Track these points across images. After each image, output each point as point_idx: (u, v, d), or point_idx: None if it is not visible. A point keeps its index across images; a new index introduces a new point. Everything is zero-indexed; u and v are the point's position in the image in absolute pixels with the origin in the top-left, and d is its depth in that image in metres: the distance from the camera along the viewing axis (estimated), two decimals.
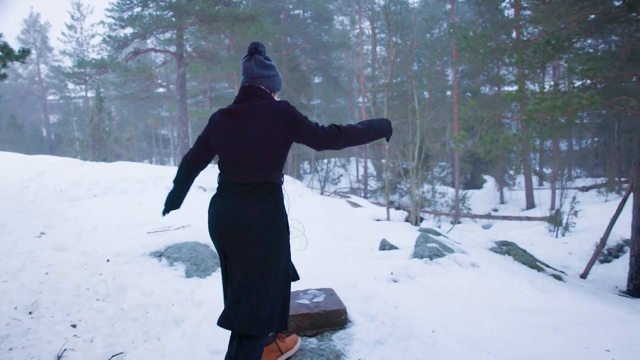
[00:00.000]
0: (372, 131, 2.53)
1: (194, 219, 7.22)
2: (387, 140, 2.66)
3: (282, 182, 2.56)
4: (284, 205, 2.54)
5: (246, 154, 2.46)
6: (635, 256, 10.42)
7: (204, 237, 5.95)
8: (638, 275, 10.35)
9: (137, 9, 18.01)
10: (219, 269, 5.17)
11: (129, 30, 18.37)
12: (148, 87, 20.74)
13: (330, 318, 3.17)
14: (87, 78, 19.64)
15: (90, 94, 35.17)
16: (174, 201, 2.91)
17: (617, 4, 10.30)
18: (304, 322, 3.11)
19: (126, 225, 6.73)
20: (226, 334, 3.45)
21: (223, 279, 2.60)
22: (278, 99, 2.62)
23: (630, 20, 10.79)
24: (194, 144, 2.79)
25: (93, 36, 40.42)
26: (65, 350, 3.34)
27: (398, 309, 3.62)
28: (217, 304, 3.97)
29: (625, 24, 11.53)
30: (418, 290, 4.62)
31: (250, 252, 2.38)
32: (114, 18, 18.30)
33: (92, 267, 5.03)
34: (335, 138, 2.44)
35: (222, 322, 2.37)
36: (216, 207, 2.54)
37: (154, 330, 3.81)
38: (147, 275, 4.80)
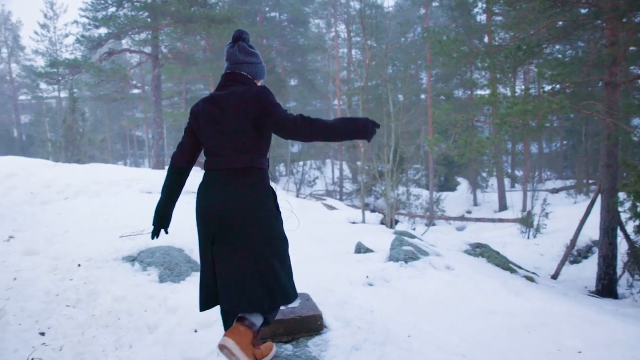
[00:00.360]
0: (344, 131, 2.44)
1: None
2: (369, 141, 2.53)
3: (267, 166, 2.59)
4: (271, 188, 2.58)
5: (226, 141, 2.49)
6: (603, 257, 10.66)
7: (178, 241, 5.86)
8: (606, 275, 10.59)
9: (112, 9, 17.71)
10: (194, 273, 5.11)
11: (103, 30, 18.05)
12: (122, 88, 20.42)
13: (306, 324, 3.15)
14: (60, 78, 19.23)
15: (63, 94, 34.44)
16: (163, 214, 2.80)
17: (583, 11, 10.56)
18: (279, 328, 3.09)
19: (98, 229, 6.60)
20: (200, 342, 3.41)
21: (207, 266, 2.59)
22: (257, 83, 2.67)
23: (595, 27, 11.07)
24: (182, 138, 2.77)
25: (66, 35, 39.58)
26: (32, 359, 3.25)
27: (374, 314, 3.63)
28: (191, 310, 3.92)
29: (591, 31, 11.83)
30: (393, 294, 4.64)
31: (245, 237, 2.42)
32: (88, 18, 17.97)
33: (63, 272, 4.91)
34: (304, 129, 2.41)
35: (230, 307, 2.48)
36: (204, 195, 2.56)
37: (125, 337, 3.73)
38: (119, 280, 4.71)
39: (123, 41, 21.69)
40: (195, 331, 3.61)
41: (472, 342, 3.58)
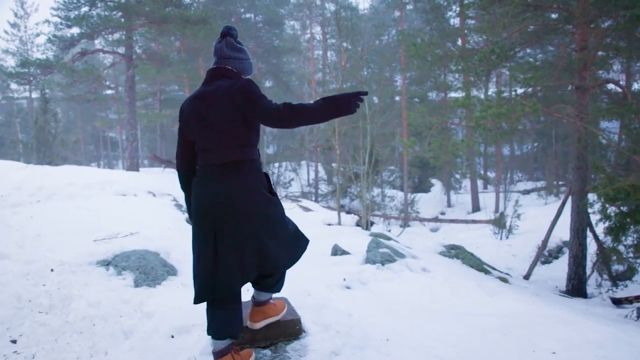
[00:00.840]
0: (327, 109, 2.44)
1: (142, 226, 7.03)
2: (353, 112, 2.50)
3: (258, 157, 2.68)
4: (263, 175, 2.68)
5: (215, 136, 2.55)
6: (573, 257, 10.90)
7: (153, 244, 5.79)
8: (576, 275, 10.83)
9: (85, 9, 17.39)
10: (170, 277, 5.05)
11: (75, 30, 17.72)
12: (96, 88, 20.06)
13: (285, 328, 3.12)
14: (32, 78, 18.85)
15: (34, 95, 33.71)
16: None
17: (554, 16, 10.78)
18: (257, 334, 3.04)
19: (72, 233, 6.45)
20: (178, 347, 3.36)
21: (206, 259, 2.65)
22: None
23: (566, 32, 11.32)
24: (178, 140, 2.83)
25: (38, 35, 38.66)
26: None
27: (352, 317, 3.63)
28: (168, 315, 3.86)
29: (562, 36, 12.09)
30: (371, 297, 4.65)
31: (242, 223, 2.56)
32: (60, 17, 17.61)
33: (35, 277, 4.79)
34: (288, 115, 2.44)
35: (228, 284, 2.65)
36: (201, 191, 2.63)
37: (100, 344, 3.66)
38: (93, 285, 4.62)
39: (96, 41, 21.37)
40: (172, 337, 3.55)
41: (450, 345, 3.61)
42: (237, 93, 2.53)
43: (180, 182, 2.88)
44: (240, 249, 2.60)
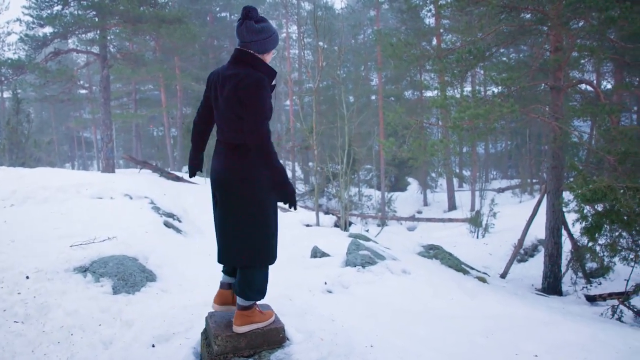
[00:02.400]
0: (276, 177, 2.69)
1: (120, 229, 6.90)
2: (285, 202, 2.77)
3: (271, 146, 2.76)
4: (262, 165, 2.72)
5: (221, 119, 2.82)
6: (548, 255, 11.08)
7: (132, 249, 5.69)
8: (551, 273, 11.02)
9: (57, 8, 16.99)
10: (149, 283, 4.98)
11: (48, 30, 17.31)
12: (69, 89, 19.65)
13: (268, 337, 3.06)
14: (3, 79, 18.37)
15: (6, 95, 32.86)
16: (195, 162, 3.17)
17: (527, 16, 10.94)
18: (240, 343, 2.99)
19: (47, 238, 6.27)
20: (158, 357, 3.31)
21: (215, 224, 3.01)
22: (272, 57, 2.90)
23: (541, 33, 11.50)
24: (201, 100, 3.07)
25: (9, 34, 37.59)
26: None
27: (335, 323, 3.59)
28: (148, 323, 3.79)
29: (536, 37, 12.28)
30: (353, 301, 4.64)
31: (229, 203, 2.83)
32: (31, 16, 17.17)
33: (10, 285, 4.64)
34: (264, 143, 2.66)
35: (219, 260, 3.02)
36: (212, 162, 2.95)
37: (79, 354, 3.57)
38: (71, 293, 4.49)
39: (70, 41, 20.92)
40: (153, 346, 3.49)
41: (435, 350, 3.61)
42: (242, 89, 2.67)
43: (192, 134, 3.15)
44: (219, 226, 2.93)
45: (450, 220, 21.73)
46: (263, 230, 2.88)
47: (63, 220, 7.37)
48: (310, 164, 27.35)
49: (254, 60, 2.79)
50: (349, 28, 28.44)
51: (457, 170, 31.70)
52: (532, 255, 14.13)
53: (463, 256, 11.76)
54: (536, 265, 12.53)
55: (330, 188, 21.78)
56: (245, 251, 2.87)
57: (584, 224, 7.11)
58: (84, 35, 18.99)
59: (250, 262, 2.91)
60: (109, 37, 18.36)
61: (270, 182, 2.73)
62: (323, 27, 16.39)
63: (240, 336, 3.01)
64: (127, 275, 4.97)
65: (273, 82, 2.87)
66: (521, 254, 13.84)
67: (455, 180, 29.43)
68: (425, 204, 28.79)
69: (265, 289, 3.08)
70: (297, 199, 2.92)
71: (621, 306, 7.56)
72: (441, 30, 21.30)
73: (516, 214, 16.97)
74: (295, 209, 2.85)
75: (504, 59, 18.68)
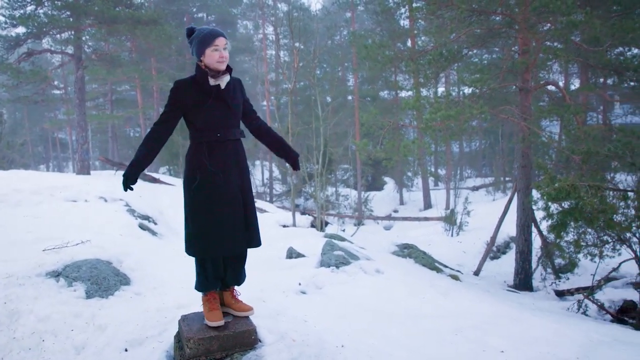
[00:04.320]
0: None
1: (95, 233, 6.89)
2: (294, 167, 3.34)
3: (200, 142, 3.02)
4: (199, 162, 2.99)
5: None
6: (520, 252, 11.35)
7: (106, 253, 5.67)
8: (522, 270, 11.29)
9: (31, 7, 16.70)
10: (123, 287, 5.00)
11: (21, 30, 17.00)
12: (44, 89, 19.30)
13: (240, 339, 3.11)
14: None
15: None
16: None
17: (497, 18, 11.19)
18: (212, 345, 3.03)
19: (19, 242, 6.22)
20: None
21: None
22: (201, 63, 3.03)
23: (509, 35, 11.77)
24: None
25: None
26: None
27: (307, 324, 3.67)
28: (121, 327, 3.82)
29: (505, 39, 12.56)
30: (326, 301, 4.73)
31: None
32: (4, 16, 16.77)
33: None
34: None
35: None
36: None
37: None
38: (43, 298, 4.48)
39: (43, 41, 20.58)
40: (126, 350, 3.53)
41: (406, 349, 3.72)
42: None
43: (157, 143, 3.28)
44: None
45: (426, 218, 21.99)
46: (191, 218, 3.11)
47: (36, 223, 7.32)
48: (287, 164, 27.31)
49: (196, 66, 3.06)
50: (325, 29, 28.54)
51: (433, 169, 32.08)
52: (504, 253, 14.41)
53: (438, 254, 11.95)
54: (508, 262, 12.79)
55: (307, 188, 21.87)
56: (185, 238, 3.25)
57: (550, 221, 7.35)
58: (58, 36, 18.70)
59: (185, 249, 3.20)
60: (83, 38, 18.13)
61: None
62: (299, 29, 16.48)
63: (213, 339, 3.07)
64: (100, 279, 4.97)
65: (214, 83, 3.00)
66: (494, 251, 14.12)
67: (430, 179, 29.76)
68: (402, 202, 29.06)
69: (199, 282, 3.24)
70: (272, 197, 3.08)
71: (586, 300, 7.82)
72: (415, 32, 21.53)
73: (490, 211, 17.25)
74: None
75: (477, 59, 19.01)
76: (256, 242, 3.22)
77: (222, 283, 3.35)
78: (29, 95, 19.20)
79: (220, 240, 3.03)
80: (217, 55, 2.95)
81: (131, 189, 2.94)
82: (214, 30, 2.99)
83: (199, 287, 3.22)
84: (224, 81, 3.03)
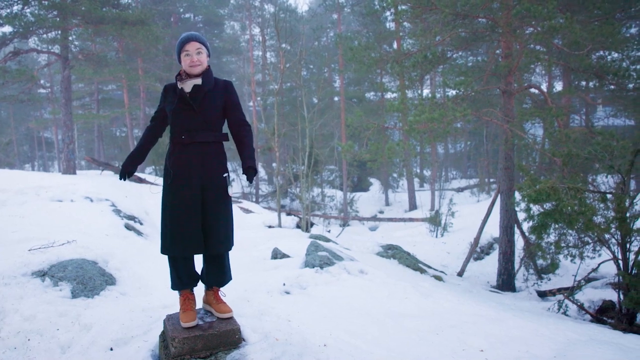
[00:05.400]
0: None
1: (80, 233, 6.87)
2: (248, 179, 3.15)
3: (170, 147, 3.21)
4: (166, 161, 3.19)
5: None
6: (502, 254, 11.49)
7: (92, 253, 5.67)
8: (505, 271, 11.43)
9: (17, 7, 16.52)
10: (108, 287, 5.01)
11: (7, 29, 16.80)
12: (30, 89, 19.10)
13: (224, 338, 3.17)
14: None
15: None
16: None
17: (482, 20, 11.34)
18: (197, 344, 3.09)
19: (5, 242, 6.17)
20: (117, 359, 3.39)
21: None
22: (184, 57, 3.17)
23: (493, 39, 11.93)
24: None
25: None
26: None
27: (291, 323, 3.73)
28: (106, 326, 3.84)
29: (489, 42, 12.72)
30: (310, 301, 4.78)
31: None
32: None
33: None
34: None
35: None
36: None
37: (36, 359, 3.60)
38: (28, 297, 4.48)
39: (30, 40, 20.37)
40: (111, 349, 3.54)
41: (386, 348, 3.78)
42: None
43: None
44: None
45: (411, 219, 22.13)
46: (163, 217, 3.27)
47: (21, 223, 7.28)
48: (273, 165, 27.36)
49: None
50: (311, 31, 28.61)
51: (418, 171, 32.29)
52: (488, 254, 14.57)
53: (422, 255, 12.07)
54: (492, 263, 12.94)
55: (293, 189, 21.91)
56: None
57: (531, 222, 7.48)
58: (45, 35, 18.52)
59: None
60: (70, 38, 17.98)
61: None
62: (285, 30, 16.53)
63: (197, 338, 3.12)
64: (86, 279, 4.98)
65: (180, 86, 3.16)
66: (477, 252, 14.27)
67: (416, 181, 29.96)
68: (387, 203, 29.21)
69: (172, 280, 3.36)
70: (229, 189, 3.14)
71: (566, 301, 7.96)
72: (401, 34, 21.70)
73: (474, 213, 17.43)
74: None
75: (462, 62, 19.19)
76: (220, 247, 3.22)
77: (206, 283, 3.40)
78: (15, 94, 19.00)
79: (175, 239, 3.12)
80: (188, 60, 3.12)
81: (129, 176, 3.29)
82: (185, 36, 3.15)
83: (172, 285, 3.33)
84: (188, 85, 3.13)
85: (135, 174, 16.66)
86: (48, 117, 34.51)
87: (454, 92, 10.73)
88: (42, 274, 4.98)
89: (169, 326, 3.23)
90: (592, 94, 18.08)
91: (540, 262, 11.28)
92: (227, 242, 3.25)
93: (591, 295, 8.37)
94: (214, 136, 3.17)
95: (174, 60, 24.92)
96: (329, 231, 18.05)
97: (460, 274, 12.55)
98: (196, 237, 3.11)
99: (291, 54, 20.11)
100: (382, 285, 5.64)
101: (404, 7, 11.21)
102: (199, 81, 3.13)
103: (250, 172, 3.06)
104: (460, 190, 28.53)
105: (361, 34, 24.78)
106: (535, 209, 7.49)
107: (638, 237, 6.91)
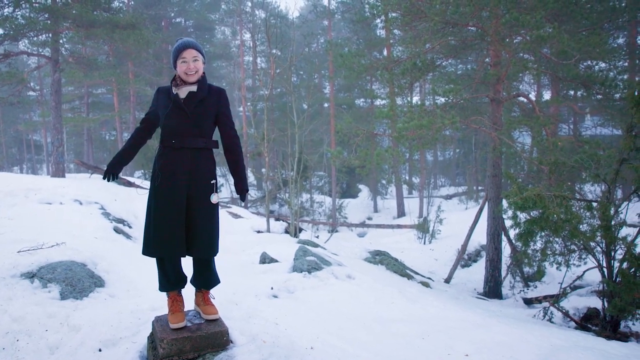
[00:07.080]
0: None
1: (70, 235, 6.84)
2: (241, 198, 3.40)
3: (160, 147, 3.21)
4: (154, 164, 3.22)
5: None
6: (489, 261, 11.58)
7: (81, 255, 5.66)
8: (492, 278, 11.52)
9: (8, 9, 16.42)
10: (97, 289, 5.01)
11: None
12: (19, 91, 18.95)
13: (212, 340, 3.18)
14: None
15: None
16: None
17: (472, 29, 11.48)
18: (185, 346, 3.09)
19: None
20: None
21: None
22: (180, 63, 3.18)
23: (482, 47, 12.07)
24: None
25: None
26: None
27: (278, 326, 3.75)
28: (95, 328, 3.84)
29: (478, 50, 12.86)
30: (297, 305, 4.81)
31: None
32: None
33: None
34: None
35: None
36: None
37: None
38: (17, 299, 4.46)
39: (20, 43, 20.26)
40: (100, 350, 3.55)
41: (373, 352, 3.82)
42: None
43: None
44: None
45: (399, 226, 22.22)
46: (147, 219, 3.30)
47: (10, 225, 7.24)
48: (263, 170, 27.36)
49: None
50: (302, 37, 28.72)
51: (407, 178, 32.39)
52: (475, 261, 14.67)
53: (410, 261, 12.11)
54: (479, 270, 13.02)
55: (282, 194, 21.91)
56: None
57: (518, 230, 7.56)
58: (35, 38, 18.42)
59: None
60: (61, 41, 17.89)
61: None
62: (276, 36, 16.59)
63: (185, 339, 3.13)
64: (75, 280, 4.98)
65: (175, 92, 3.18)
66: (465, 259, 14.36)
67: (404, 188, 30.05)
68: (376, 210, 29.27)
69: (159, 282, 3.38)
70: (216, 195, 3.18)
71: (552, 308, 8.04)
72: (391, 42, 21.85)
73: (462, 220, 17.53)
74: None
75: (451, 69, 19.36)
76: (203, 252, 3.25)
77: (195, 286, 3.43)
78: (4, 96, 18.85)
79: (157, 241, 3.15)
80: (184, 67, 3.14)
81: (114, 177, 3.24)
82: (182, 43, 3.16)
83: (160, 287, 3.36)
84: (183, 91, 3.17)
85: (125, 177, 16.63)
86: (37, 120, 34.19)
87: (443, 99, 10.83)
88: (31, 276, 4.97)
89: (157, 327, 3.24)
90: (580, 103, 18.31)
91: (526, 269, 11.37)
92: (211, 248, 3.27)
93: (576, 303, 8.45)
94: (204, 142, 3.20)
95: (164, 65, 24.90)
96: (317, 237, 18.07)
97: (447, 280, 12.62)
98: (179, 240, 3.13)
99: (282, 60, 20.18)
100: (370, 291, 5.68)
101: (394, 14, 11.33)
102: (194, 88, 3.17)
103: (244, 194, 3.33)
104: (448, 197, 28.67)
105: (351, 40, 24.94)
106: (522, 216, 7.56)
107: (622, 245, 6.99)
